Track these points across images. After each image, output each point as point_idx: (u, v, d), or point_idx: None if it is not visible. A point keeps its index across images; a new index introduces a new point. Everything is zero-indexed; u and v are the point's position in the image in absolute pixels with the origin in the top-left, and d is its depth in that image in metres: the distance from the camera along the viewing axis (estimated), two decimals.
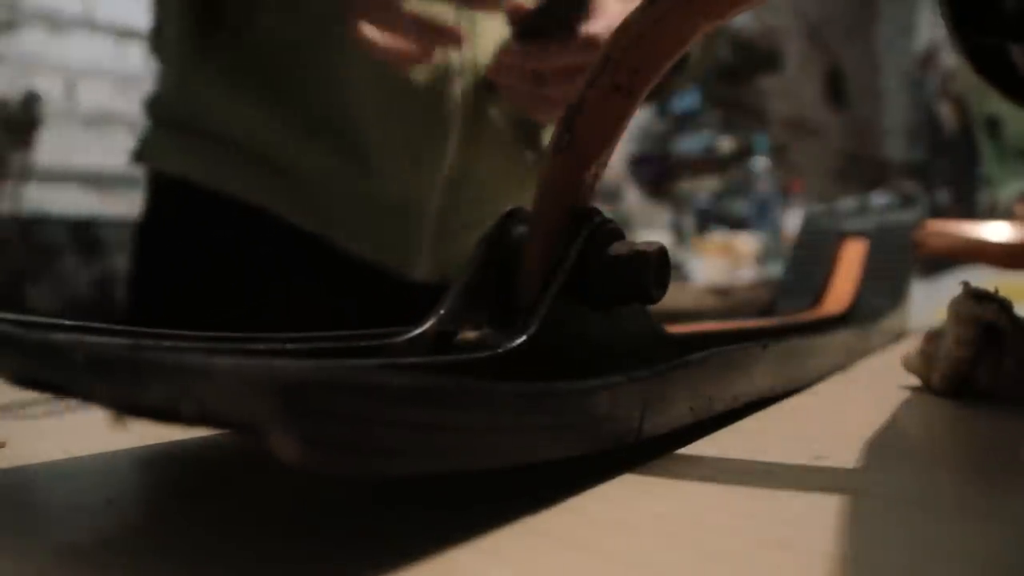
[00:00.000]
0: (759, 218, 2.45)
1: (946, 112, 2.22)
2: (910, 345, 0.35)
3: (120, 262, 2.04)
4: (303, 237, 0.58)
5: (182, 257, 0.60)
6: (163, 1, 0.61)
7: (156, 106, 0.61)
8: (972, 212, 1.85)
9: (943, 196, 2.16)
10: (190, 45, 0.58)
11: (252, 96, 0.56)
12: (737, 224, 2.62)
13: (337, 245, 0.58)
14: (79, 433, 0.22)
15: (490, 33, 0.53)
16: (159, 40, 0.61)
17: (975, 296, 0.30)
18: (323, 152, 0.56)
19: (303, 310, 0.59)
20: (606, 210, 0.25)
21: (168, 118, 0.60)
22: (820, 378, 0.35)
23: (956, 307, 0.31)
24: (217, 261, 0.59)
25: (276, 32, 0.55)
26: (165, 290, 0.61)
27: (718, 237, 2.43)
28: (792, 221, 2.25)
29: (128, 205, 2.32)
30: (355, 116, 0.56)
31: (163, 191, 0.61)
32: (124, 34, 2.42)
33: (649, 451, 0.21)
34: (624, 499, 0.17)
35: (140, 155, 0.62)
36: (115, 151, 2.41)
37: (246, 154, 0.57)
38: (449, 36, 0.45)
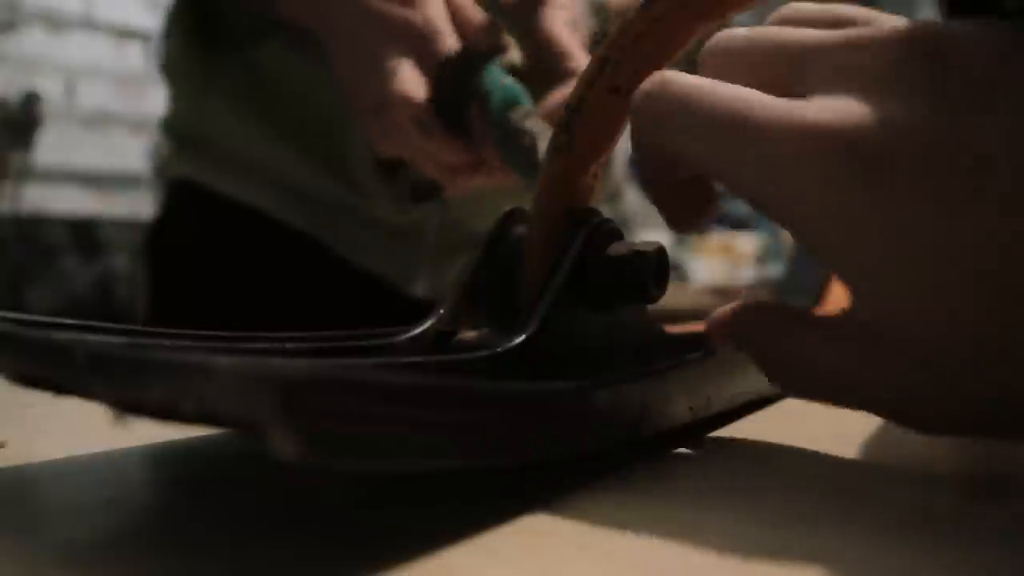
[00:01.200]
0: (759, 218, 2.45)
1: None
2: None
3: (120, 262, 2.04)
4: (311, 245, 0.59)
5: (193, 257, 0.62)
6: (168, 26, 0.63)
7: (168, 125, 0.64)
8: None
9: None
10: (197, 71, 0.59)
11: (255, 121, 0.58)
12: (737, 224, 2.62)
13: (341, 255, 0.60)
14: (79, 432, 0.22)
15: None
16: (168, 64, 0.64)
17: None
18: (325, 177, 0.59)
19: (307, 313, 0.60)
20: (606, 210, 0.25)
21: (180, 136, 0.62)
22: None
23: None
24: (226, 260, 0.61)
25: (282, 66, 0.57)
26: (178, 289, 0.62)
27: (718, 237, 2.43)
28: None
29: (128, 205, 2.33)
30: (351, 149, 0.57)
31: (174, 195, 0.64)
32: (124, 34, 2.42)
33: (648, 451, 0.21)
34: (624, 499, 0.17)
35: (158, 168, 0.66)
36: (115, 151, 2.41)
37: (252, 170, 0.59)
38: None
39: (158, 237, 0.65)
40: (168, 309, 0.62)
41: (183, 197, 0.62)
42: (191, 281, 0.61)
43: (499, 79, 0.39)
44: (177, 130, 0.62)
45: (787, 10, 0.22)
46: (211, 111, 0.59)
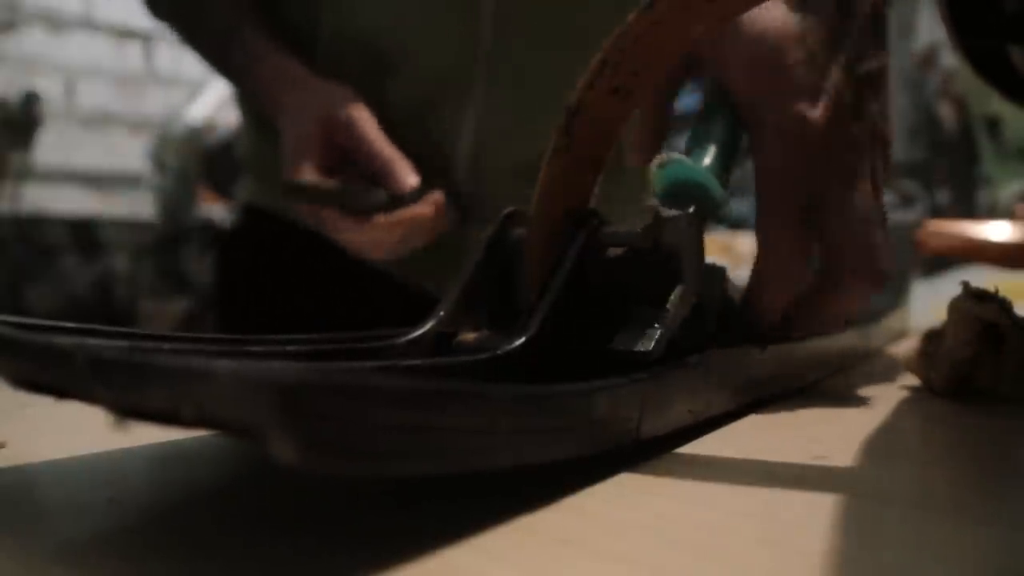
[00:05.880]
0: None
1: (946, 112, 2.21)
2: (910, 345, 0.35)
3: (120, 262, 2.04)
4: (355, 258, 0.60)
5: (255, 267, 0.68)
6: None
7: (242, 155, 0.71)
8: (972, 212, 1.85)
9: (943, 196, 2.15)
10: (256, 108, 0.64)
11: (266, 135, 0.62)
12: (737, 224, 2.60)
13: (382, 267, 0.62)
14: (79, 432, 0.22)
15: None
16: (241, 99, 0.69)
17: (975, 296, 0.30)
18: None
19: (350, 317, 0.61)
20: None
21: (248, 165, 0.69)
22: (820, 378, 0.35)
23: (956, 307, 0.31)
24: (282, 271, 0.66)
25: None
26: (243, 294, 0.70)
27: (718, 237, 2.42)
28: None
29: (128, 205, 2.32)
30: None
31: (243, 216, 0.71)
32: (124, 34, 2.42)
33: (648, 451, 0.21)
34: (623, 499, 0.18)
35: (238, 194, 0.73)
36: (115, 151, 2.41)
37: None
38: None
39: (228, 251, 0.73)
40: (234, 312, 0.70)
41: (249, 218, 0.69)
42: (253, 288, 0.68)
43: None
44: (247, 160, 0.70)
45: None
46: (269, 146, 0.62)
